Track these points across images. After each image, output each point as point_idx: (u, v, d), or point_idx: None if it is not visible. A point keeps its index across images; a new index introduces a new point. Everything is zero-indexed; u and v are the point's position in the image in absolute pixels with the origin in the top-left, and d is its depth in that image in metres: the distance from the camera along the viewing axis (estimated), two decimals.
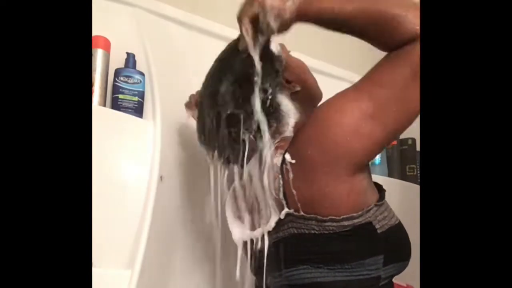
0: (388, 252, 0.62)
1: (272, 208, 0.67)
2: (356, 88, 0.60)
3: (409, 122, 0.59)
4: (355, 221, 0.60)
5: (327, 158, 0.59)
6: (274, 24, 0.60)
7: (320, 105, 0.64)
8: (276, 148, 0.68)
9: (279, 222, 0.65)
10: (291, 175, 0.63)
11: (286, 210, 0.64)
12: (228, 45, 0.75)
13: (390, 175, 1.41)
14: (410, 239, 0.69)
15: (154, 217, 0.86)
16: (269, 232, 0.68)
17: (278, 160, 0.66)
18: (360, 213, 0.60)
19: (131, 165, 0.90)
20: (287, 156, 0.64)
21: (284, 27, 0.62)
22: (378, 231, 0.61)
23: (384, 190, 0.67)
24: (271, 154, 0.68)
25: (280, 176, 0.65)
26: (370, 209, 0.61)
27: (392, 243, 0.63)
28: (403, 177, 1.42)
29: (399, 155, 1.44)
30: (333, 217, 0.60)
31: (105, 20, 0.96)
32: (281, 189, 0.64)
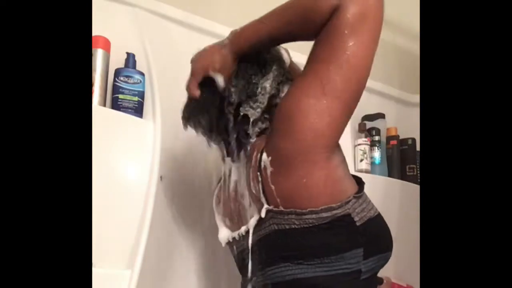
0: (368, 245, 0.62)
1: (254, 207, 0.67)
2: (303, 73, 0.63)
3: (359, 87, 0.62)
4: (334, 212, 0.60)
5: (299, 146, 0.61)
6: (220, 76, 0.70)
7: (281, 99, 0.66)
8: (254, 148, 0.69)
9: (261, 220, 0.66)
10: (268, 171, 0.64)
11: (266, 206, 0.64)
12: None
13: (390, 175, 1.41)
14: (410, 239, 0.69)
15: (154, 217, 0.86)
16: (252, 233, 0.68)
17: (257, 158, 0.67)
18: (339, 204, 0.61)
19: (131, 165, 0.90)
20: (264, 154, 0.65)
21: (227, 68, 0.70)
22: (357, 223, 0.62)
23: (363, 183, 0.68)
24: (251, 153, 0.69)
25: (258, 174, 0.65)
26: (349, 201, 0.62)
27: (371, 235, 0.63)
28: (403, 177, 1.42)
29: (399, 155, 1.44)
30: (312, 209, 0.60)
31: (105, 20, 0.96)
32: (261, 186, 0.65)
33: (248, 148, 0.71)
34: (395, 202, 1.33)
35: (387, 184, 1.35)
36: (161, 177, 0.90)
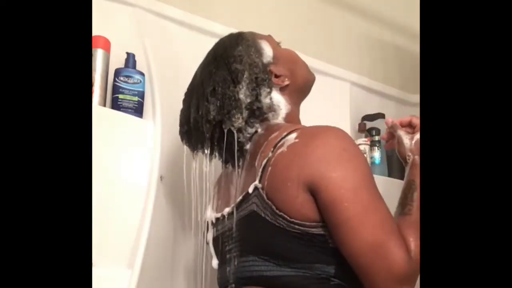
0: (340, 267, 0.59)
1: (245, 183, 0.68)
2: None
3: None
4: (307, 229, 0.59)
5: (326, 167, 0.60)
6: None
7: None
8: (279, 126, 0.70)
9: (246, 197, 0.66)
10: (280, 150, 0.63)
11: (256, 183, 0.64)
12: (220, 42, 0.80)
13: (390, 175, 1.41)
14: None
15: (154, 217, 0.86)
16: (236, 210, 0.68)
17: (276, 136, 0.67)
18: (313, 224, 0.60)
19: (131, 165, 0.90)
20: (293, 134, 0.64)
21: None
22: (330, 245, 0.60)
23: None
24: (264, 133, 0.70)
25: (272, 148, 0.65)
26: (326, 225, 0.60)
27: (347, 263, 0.59)
28: (403, 177, 1.42)
29: None
30: (284, 216, 0.60)
31: (105, 20, 0.96)
32: (265, 162, 0.65)
33: (249, 145, 0.71)
34: (395, 202, 1.33)
35: (387, 184, 1.35)
36: (161, 177, 0.90)
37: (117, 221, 0.84)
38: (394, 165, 1.43)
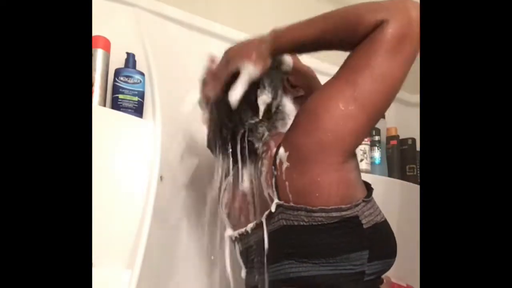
0: (373, 248, 0.63)
1: (264, 202, 0.68)
2: (336, 77, 0.64)
3: (384, 105, 0.64)
4: (343, 213, 0.62)
5: (319, 146, 0.62)
6: (256, 74, 0.68)
7: (309, 97, 0.67)
8: (269, 143, 0.71)
9: (270, 215, 0.66)
10: (284, 166, 0.65)
11: (276, 201, 0.65)
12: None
13: (390, 175, 1.41)
14: (410, 239, 0.69)
15: (154, 217, 0.86)
16: (259, 227, 0.69)
17: (272, 153, 0.68)
18: (348, 205, 0.62)
19: (131, 165, 0.90)
20: (281, 149, 0.66)
21: (263, 63, 0.69)
22: (364, 226, 0.63)
23: (372, 189, 0.69)
24: (265, 149, 0.71)
25: (273, 167, 0.66)
26: (358, 204, 0.63)
27: (377, 240, 0.64)
28: (403, 177, 1.42)
29: (399, 155, 1.44)
30: (323, 207, 0.61)
31: (105, 20, 0.96)
32: (274, 181, 0.66)
33: (260, 145, 0.72)
34: (395, 202, 1.33)
35: (387, 184, 1.35)
36: (161, 177, 0.90)
37: (117, 221, 0.84)
38: (394, 165, 1.43)
